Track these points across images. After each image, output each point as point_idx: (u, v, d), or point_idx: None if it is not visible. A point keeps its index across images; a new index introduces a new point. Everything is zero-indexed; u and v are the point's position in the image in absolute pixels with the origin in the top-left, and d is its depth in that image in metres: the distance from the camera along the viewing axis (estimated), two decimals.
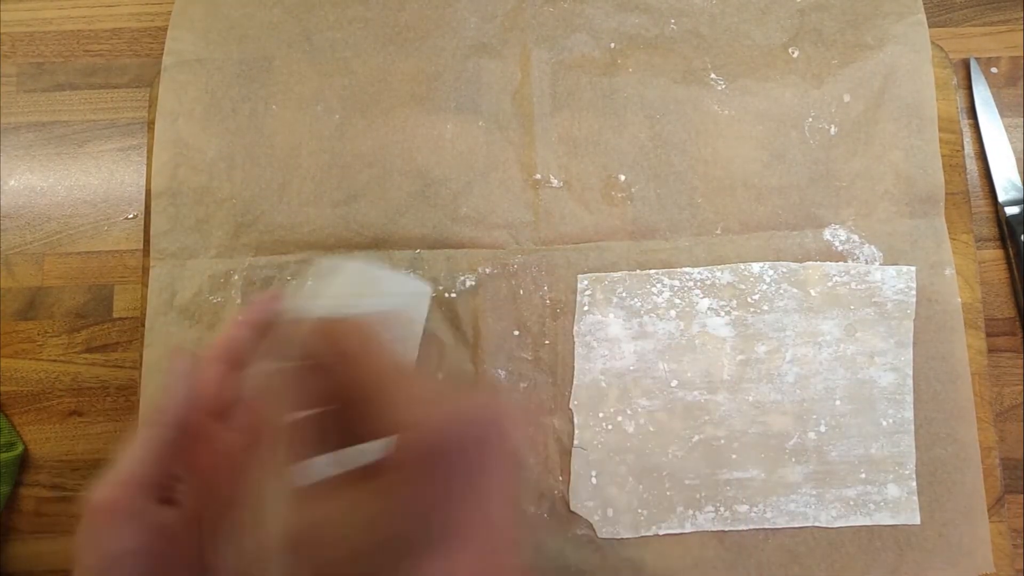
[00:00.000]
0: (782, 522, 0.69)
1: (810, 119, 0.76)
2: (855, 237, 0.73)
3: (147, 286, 0.74)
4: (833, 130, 0.75)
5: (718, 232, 0.74)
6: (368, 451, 0.43)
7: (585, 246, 0.74)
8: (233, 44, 0.78)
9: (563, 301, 0.73)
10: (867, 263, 0.73)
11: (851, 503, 0.70)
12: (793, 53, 0.77)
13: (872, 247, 0.73)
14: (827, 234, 0.73)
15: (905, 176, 0.74)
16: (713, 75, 0.77)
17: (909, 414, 0.71)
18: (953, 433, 0.71)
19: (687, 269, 0.73)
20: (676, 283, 0.73)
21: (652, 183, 0.75)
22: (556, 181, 0.75)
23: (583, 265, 0.73)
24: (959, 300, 0.72)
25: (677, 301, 0.72)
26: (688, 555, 0.69)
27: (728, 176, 0.75)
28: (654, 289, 0.73)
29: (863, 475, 0.70)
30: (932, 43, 0.77)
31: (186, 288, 0.73)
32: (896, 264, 0.73)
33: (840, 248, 0.73)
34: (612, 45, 0.78)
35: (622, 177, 0.75)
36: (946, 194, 0.74)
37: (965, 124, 0.79)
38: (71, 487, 0.75)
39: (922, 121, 0.75)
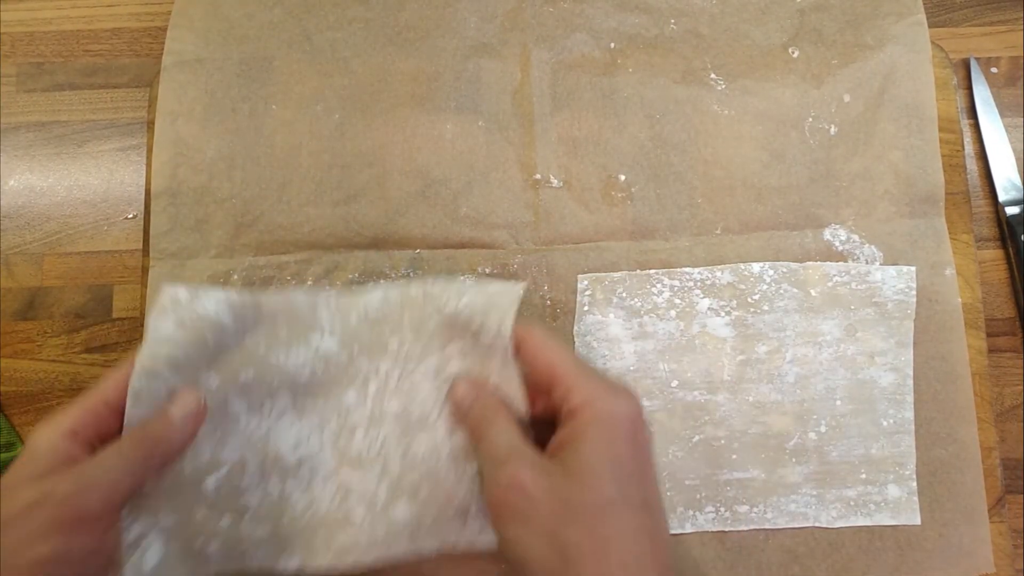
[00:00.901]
0: (782, 522, 0.69)
1: (810, 119, 0.76)
2: (855, 237, 0.73)
3: (147, 286, 0.73)
4: (833, 130, 0.75)
5: (718, 232, 0.74)
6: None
7: (585, 246, 0.74)
8: (233, 44, 0.78)
9: (563, 301, 0.73)
10: (867, 263, 0.72)
11: (851, 503, 0.69)
12: (793, 53, 0.77)
13: (872, 247, 0.73)
14: (827, 234, 0.73)
15: (905, 176, 0.74)
16: (713, 75, 0.77)
17: (910, 414, 0.71)
18: (953, 433, 0.70)
19: (687, 269, 0.72)
20: (676, 283, 0.72)
21: (652, 183, 0.75)
22: (556, 181, 0.75)
23: (583, 265, 0.73)
24: (959, 300, 0.72)
25: (677, 301, 0.72)
26: (688, 555, 0.69)
27: (728, 176, 0.75)
28: (654, 289, 0.72)
29: (863, 475, 0.70)
30: (932, 43, 0.77)
31: None
32: (896, 264, 0.72)
33: (840, 248, 0.73)
34: (612, 45, 0.77)
35: (622, 177, 0.75)
36: (946, 194, 0.74)
37: (965, 124, 0.78)
38: None
39: (922, 121, 0.75)
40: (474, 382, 0.58)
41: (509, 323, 0.58)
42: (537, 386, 0.56)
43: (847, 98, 0.76)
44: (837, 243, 0.73)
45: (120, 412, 0.55)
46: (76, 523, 0.50)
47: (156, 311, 0.59)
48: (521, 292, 0.60)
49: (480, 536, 0.59)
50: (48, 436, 0.51)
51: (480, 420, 0.56)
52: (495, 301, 0.60)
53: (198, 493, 0.58)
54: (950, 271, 0.72)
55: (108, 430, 0.54)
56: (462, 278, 0.73)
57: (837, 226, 0.74)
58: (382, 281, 0.73)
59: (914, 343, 0.71)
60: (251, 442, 0.60)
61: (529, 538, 0.50)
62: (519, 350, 0.56)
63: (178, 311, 0.59)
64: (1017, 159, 0.78)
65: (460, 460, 0.59)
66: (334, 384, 0.62)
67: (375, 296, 0.63)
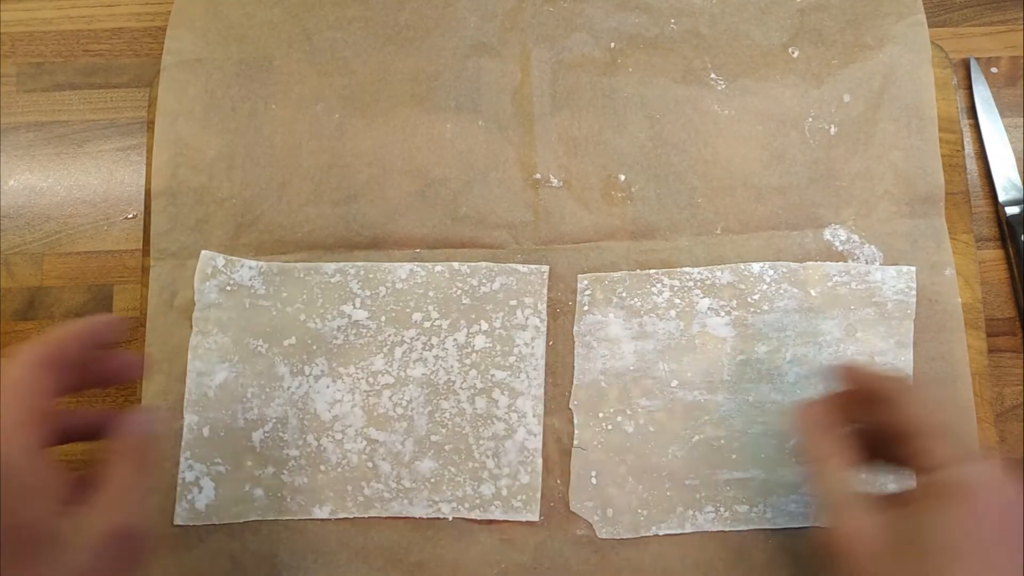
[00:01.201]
0: (782, 522, 0.69)
1: (810, 119, 0.75)
2: (855, 237, 0.73)
3: (147, 286, 0.73)
4: (833, 130, 0.75)
5: (718, 232, 0.74)
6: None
7: (585, 246, 0.73)
8: (232, 44, 0.77)
9: (563, 301, 0.72)
10: (867, 263, 0.72)
11: None
12: (793, 53, 0.77)
13: (872, 247, 0.72)
14: (827, 234, 0.73)
15: (905, 176, 0.74)
16: (713, 75, 0.76)
17: None
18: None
19: (687, 269, 0.72)
20: (676, 283, 0.72)
21: (652, 183, 0.74)
22: (556, 181, 0.75)
23: (583, 265, 0.73)
24: (959, 300, 0.72)
25: (677, 301, 0.72)
26: (688, 556, 0.68)
27: (728, 176, 0.74)
28: (654, 289, 0.72)
29: (863, 475, 0.70)
30: (932, 43, 0.76)
31: (186, 288, 0.72)
32: (896, 264, 0.72)
33: (840, 248, 0.73)
34: (612, 45, 0.77)
35: (622, 177, 0.75)
36: (946, 194, 0.73)
37: (965, 124, 0.78)
38: None
39: (922, 121, 0.75)
40: (822, 411, 0.59)
41: (544, 302, 0.72)
42: (897, 434, 0.55)
43: (847, 98, 0.76)
44: (837, 243, 0.73)
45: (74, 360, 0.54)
46: (141, 544, 0.52)
47: (199, 277, 0.72)
48: (547, 273, 0.72)
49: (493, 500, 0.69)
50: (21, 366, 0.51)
51: (817, 452, 0.57)
52: (529, 280, 0.72)
53: (247, 444, 0.70)
54: (950, 271, 0.72)
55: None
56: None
57: (837, 226, 0.73)
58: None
59: (914, 343, 0.71)
60: (292, 401, 0.71)
61: None
62: (888, 394, 0.57)
63: (219, 277, 0.72)
64: (1017, 159, 0.77)
65: (479, 425, 0.70)
66: (364, 350, 0.71)
67: (402, 271, 0.72)
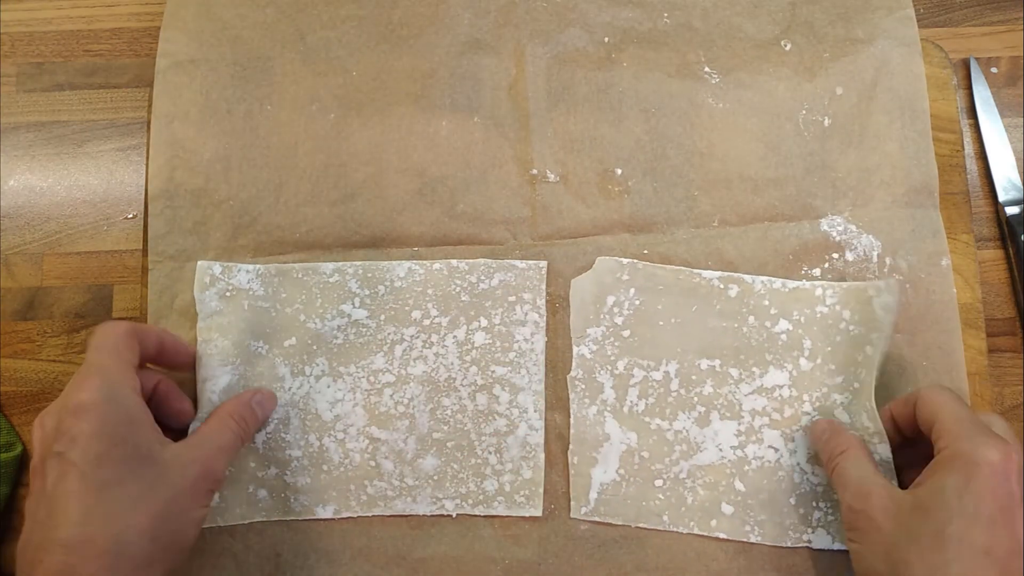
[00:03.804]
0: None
1: (804, 111, 0.74)
2: (852, 227, 0.72)
3: (147, 287, 0.72)
4: (827, 122, 0.74)
5: (715, 224, 0.73)
6: None
7: (583, 240, 0.73)
8: (226, 45, 0.76)
9: (561, 296, 0.71)
10: (865, 252, 0.71)
11: None
12: (785, 46, 0.76)
13: (870, 236, 0.71)
14: (824, 224, 0.72)
15: (900, 167, 0.73)
16: (707, 68, 0.75)
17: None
18: None
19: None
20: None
21: (649, 177, 0.74)
22: (553, 176, 0.74)
23: (581, 260, 0.72)
24: (955, 291, 0.70)
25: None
26: (690, 548, 0.67)
27: (724, 169, 0.73)
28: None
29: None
30: (932, 43, 0.75)
31: (186, 291, 0.71)
32: (894, 252, 0.71)
33: (838, 238, 0.72)
34: (606, 39, 0.76)
35: (618, 171, 0.74)
36: (946, 194, 0.72)
37: (965, 124, 0.77)
38: None
39: (915, 113, 0.74)
40: (832, 422, 0.66)
41: (543, 298, 0.72)
42: (923, 433, 0.61)
43: (840, 91, 0.75)
44: (835, 233, 0.72)
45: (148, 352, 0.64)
46: (217, 484, 0.62)
47: (198, 287, 0.71)
48: (545, 269, 0.72)
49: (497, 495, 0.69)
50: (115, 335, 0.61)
51: (834, 449, 0.62)
52: (528, 276, 0.72)
53: (249, 446, 0.69)
54: (946, 261, 0.71)
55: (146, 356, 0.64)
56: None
57: (834, 216, 0.72)
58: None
59: (912, 333, 0.70)
60: (294, 401, 0.70)
61: (869, 555, 0.57)
62: (917, 398, 0.61)
63: (217, 285, 0.71)
64: (1017, 159, 0.76)
65: (481, 421, 0.70)
66: (364, 349, 0.71)
67: (401, 269, 0.72)
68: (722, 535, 0.68)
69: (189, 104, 0.75)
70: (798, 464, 0.68)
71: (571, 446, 0.70)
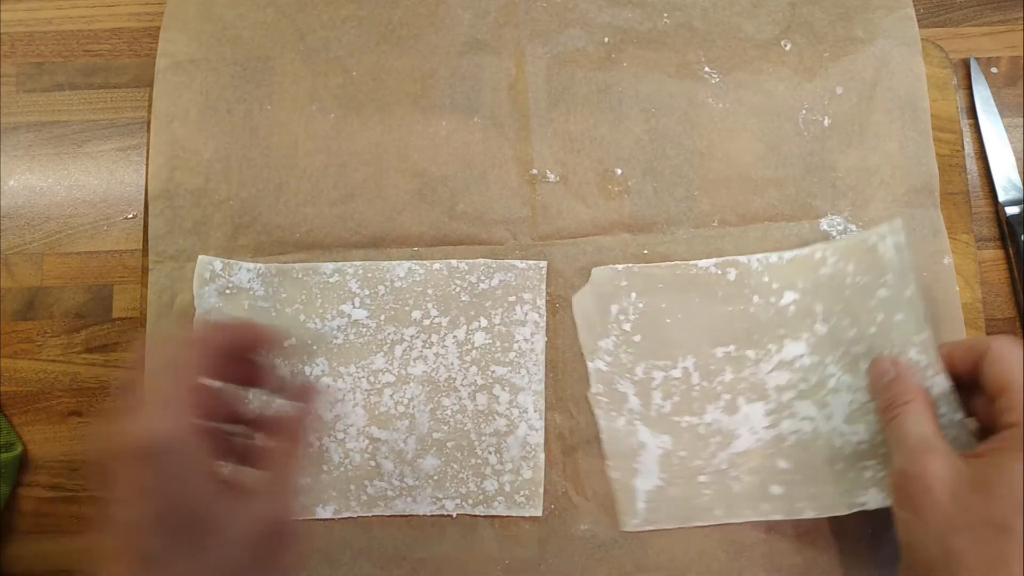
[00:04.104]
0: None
1: (804, 111, 0.74)
2: (852, 227, 0.72)
3: (147, 287, 0.72)
4: (827, 122, 0.74)
5: (715, 224, 0.73)
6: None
7: (583, 240, 0.72)
8: (226, 45, 0.76)
9: (561, 296, 0.72)
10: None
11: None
12: (785, 46, 0.76)
13: None
14: (824, 224, 0.72)
15: (900, 167, 0.73)
16: (707, 68, 0.75)
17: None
18: None
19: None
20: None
21: (649, 177, 0.73)
22: (553, 176, 0.74)
23: (581, 260, 0.72)
24: (957, 289, 0.70)
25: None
26: (691, 547, 0.67)
27: (724, 168, 0.73)
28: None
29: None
30: (932, 43, 0.75)
31: (186, 290, 0.71)
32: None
33: (838, 238, 0.71)
34: (606, 40, 0.76)
35: (619, 171, 0.74)
36: (946, 194, 0.72)
37: (965, 124, 0.77)
38: (70, 487, 0.74)
39: (915, 112, 0.74)
40: (896, 360, 0.62)
41: (543, 298, 0.72)
42: (987, 392, 0.57)
43: (839, 90, 0.74)
44: (834, 233, 0.72)
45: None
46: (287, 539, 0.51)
47: (198, 282, 0.71)
48: (545, 269, 0.72)
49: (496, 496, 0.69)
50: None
51: (895, 399, 0.59)
52: (528, 276, 0.72)
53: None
54: (948, 260, 0.71)
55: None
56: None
57: (834, 216, 0.72)
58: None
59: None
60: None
61: (919, 530, 0.53)
62: (984, 354, 0.58)
63: (217, 281, 0.71)
64: (1017, 159, 0.76)
65: (481, 421, 0.70)
66: (364, 349, 0.71)
67: (400, 269, 0.72)
68: (777, 516, 0.67)
69: (189, 104, 0.75)
70: (835, 428, 0.67)
71: (608, 461, 0.69)
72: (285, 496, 0.51)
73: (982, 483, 0.51)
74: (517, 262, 0.72)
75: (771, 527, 0.68)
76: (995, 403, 0.55)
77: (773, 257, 0.71)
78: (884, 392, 0.61)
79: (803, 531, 0.68)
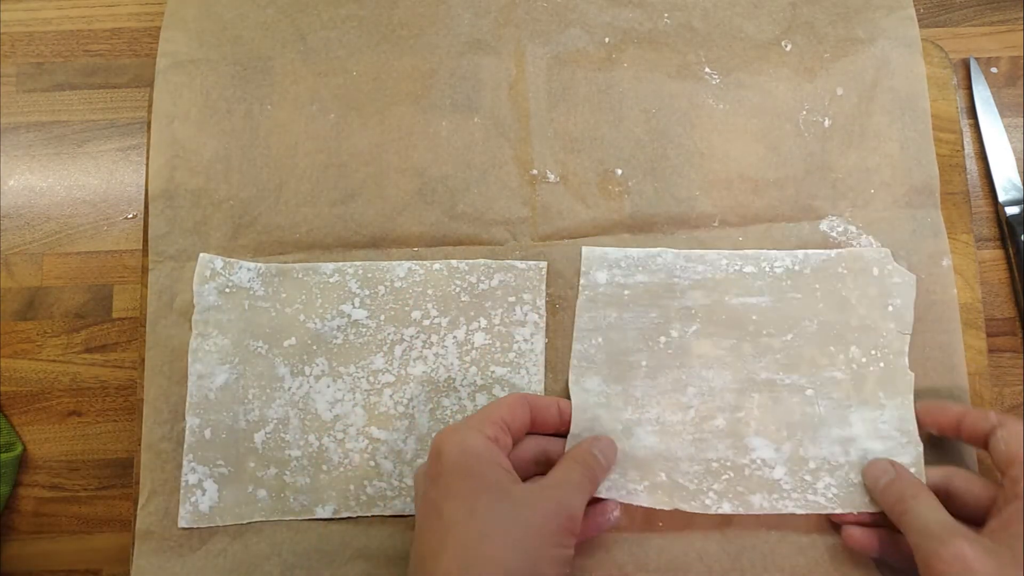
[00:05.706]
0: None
1: (804, 112, 0.74)
2: (852, 228, 0.71)
3: (147, 287, 0.72)
4: (827, 123, 0.74)
5: (715, 225, 0.72)
6: None
7: (583, 241, 0.72)
8: (227, 45, 0.76)
9: (561, 296, 0.71)
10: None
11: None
12: (786, 47, 0.75)
13: (869, 237, 0.71)
14: (824, 225, 0.72)
15: (900, 167, 0.72)
16: (707, 69, 0.75)
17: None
18: None
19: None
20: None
21: (649, 177, 0.73)
22: (553, 176, 0.73)
23: (581, 261, 0.72)
24: (955, 290, 0.70)
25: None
26: (691, 548, 0.67)
27: (724, 169, 0.73)
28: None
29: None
30: (932, 43, 0.75)
31: (186, 291, 0.71)
32: (895, 253, 0.71)
33: (838, 239, 0.71)
34: (606, 40, 0.76)
35: (619, 171, 0.73)
36: (946, 194, 0.72)
37: (965, 124, 0.77)
38: (70, 487, 0.74)
39: (916, 113, 0.73)
40: (891, 461, 0.65)
41: (543, 298, 0.72)
42: (1002, 466, 0.60)
43: (840, 91, 0.74)
44: (835, 234, 0.71)
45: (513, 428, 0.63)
46: (573, 523, 0.59)
47: (198, 279, 0.71)
48: (545, 269, 0.72)
49: None
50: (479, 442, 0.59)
51: (902, 496, 0.61)
52: (528, 276, 0.72)
53: (249, 446, 0.70)
54: (947, 261, 0.71)
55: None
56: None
57: (834, 217, 0.72)
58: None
59: (913, 333, 0.69)
60: (293, 401, 0.70)
61: None
62: (998, 426, 0.61)
63: (217, 279, 0.72)
64: (1017, 159, 0.76)
65: None
66: (364, 349, 0.71)
67: (400, 269, 0.72)
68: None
69: (189, 104, 0.75)
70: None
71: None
72: (569, 492, 0.60)
73: (1014, 560, 0.54)
74: (517, 263, 0.72)
75: (772, 527, 0.68)
76: (1004, 473, 0.59)
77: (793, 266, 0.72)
78: (887, 490, 0.63)
79: (804, 531, 0.68)
